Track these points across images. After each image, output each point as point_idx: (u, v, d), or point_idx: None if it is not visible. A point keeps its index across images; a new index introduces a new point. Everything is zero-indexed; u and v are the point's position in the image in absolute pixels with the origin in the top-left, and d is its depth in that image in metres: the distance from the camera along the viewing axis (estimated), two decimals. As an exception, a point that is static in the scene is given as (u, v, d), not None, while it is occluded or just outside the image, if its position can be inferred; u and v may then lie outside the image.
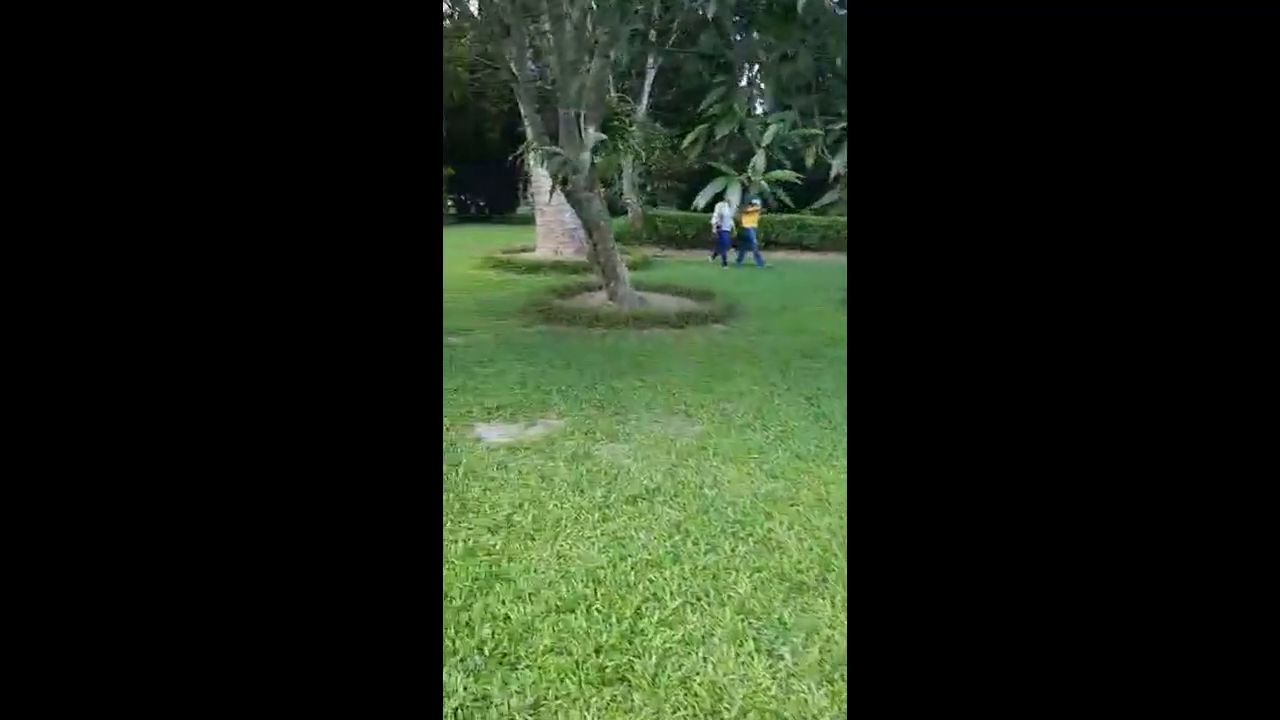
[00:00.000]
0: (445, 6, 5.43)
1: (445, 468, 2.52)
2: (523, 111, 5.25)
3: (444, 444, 2.75)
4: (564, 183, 4.92)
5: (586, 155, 4.75)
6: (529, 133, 8.01)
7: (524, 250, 9.39)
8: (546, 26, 5.12)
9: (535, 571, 1.86)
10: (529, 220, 15.68)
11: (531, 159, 7.70)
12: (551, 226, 8.97)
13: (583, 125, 4.71)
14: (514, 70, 4.55)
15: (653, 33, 4.69)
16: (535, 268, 8.06)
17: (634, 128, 5.17)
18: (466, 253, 9.50)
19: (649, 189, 13.74)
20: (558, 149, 4.77)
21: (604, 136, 4.76)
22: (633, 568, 1.88)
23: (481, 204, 17.35)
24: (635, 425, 3.05)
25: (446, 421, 3.01)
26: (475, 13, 4.69)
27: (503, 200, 17.86)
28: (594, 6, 3.75)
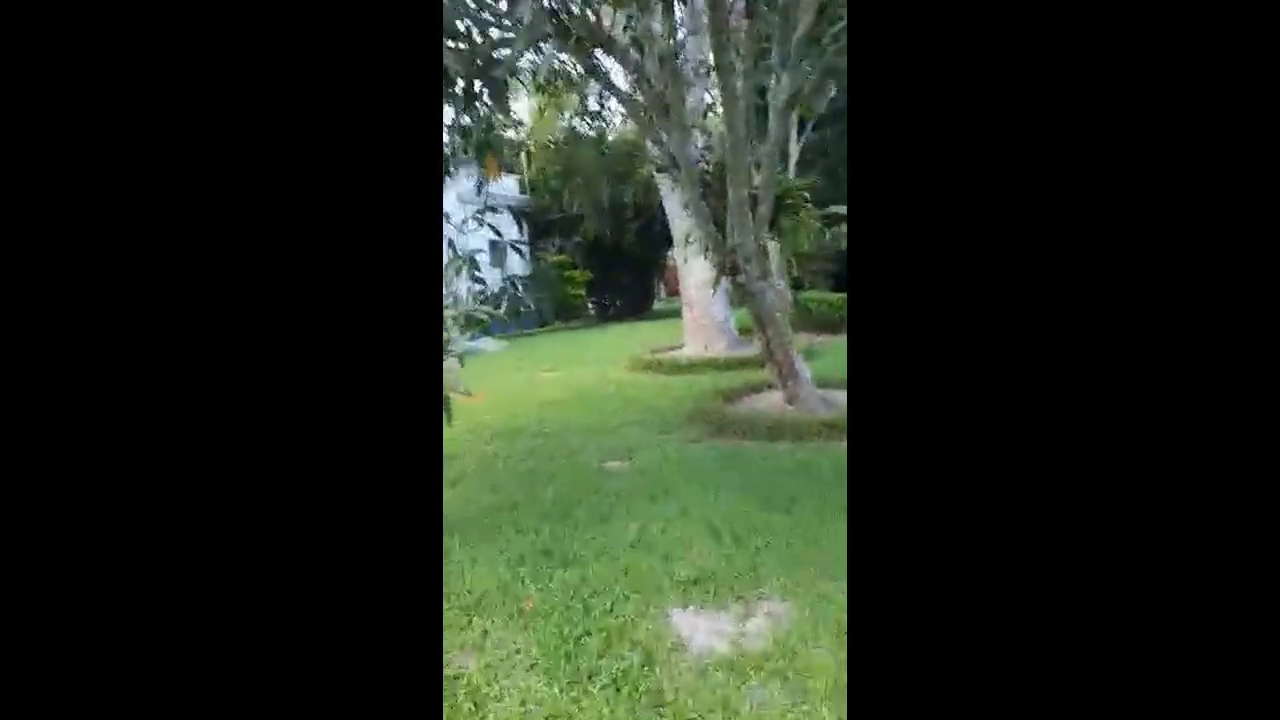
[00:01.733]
0: (592, 103, 5.18)
1: (642, 704, 1.66)
2: (681, 199, 4.71)
3: (637, 651, 1.91)
4: (733, 272, 4.20)
5: (759, 241, 4.02)
6: (676, 225, 7.63)
7: (671, 349, 8.80)
8: (706, 102, 4.64)
9: None
10: (665, 316, 15.43)
11: (680, 252, 7.21)
12: (700, 322, 8.34)
13: (755, 208, 4.02)
14: (673, 153, 4.02)
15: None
16: (688, 367, 7.36)
17: (810, 205, 4.44)
18: (611, 355, 9.07)
19: (793, 272, 12.91)
20: (724, 236, 4.10)
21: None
22: None
23: (618, 304, 17.46)
24: (906, 615, 2.03)
25: (631, 607, 2.18)
26: (632, 94, 4.26)
27: (638, 299, 17.91)
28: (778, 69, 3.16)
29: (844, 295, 10.59)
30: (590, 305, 17.43)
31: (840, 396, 5.20)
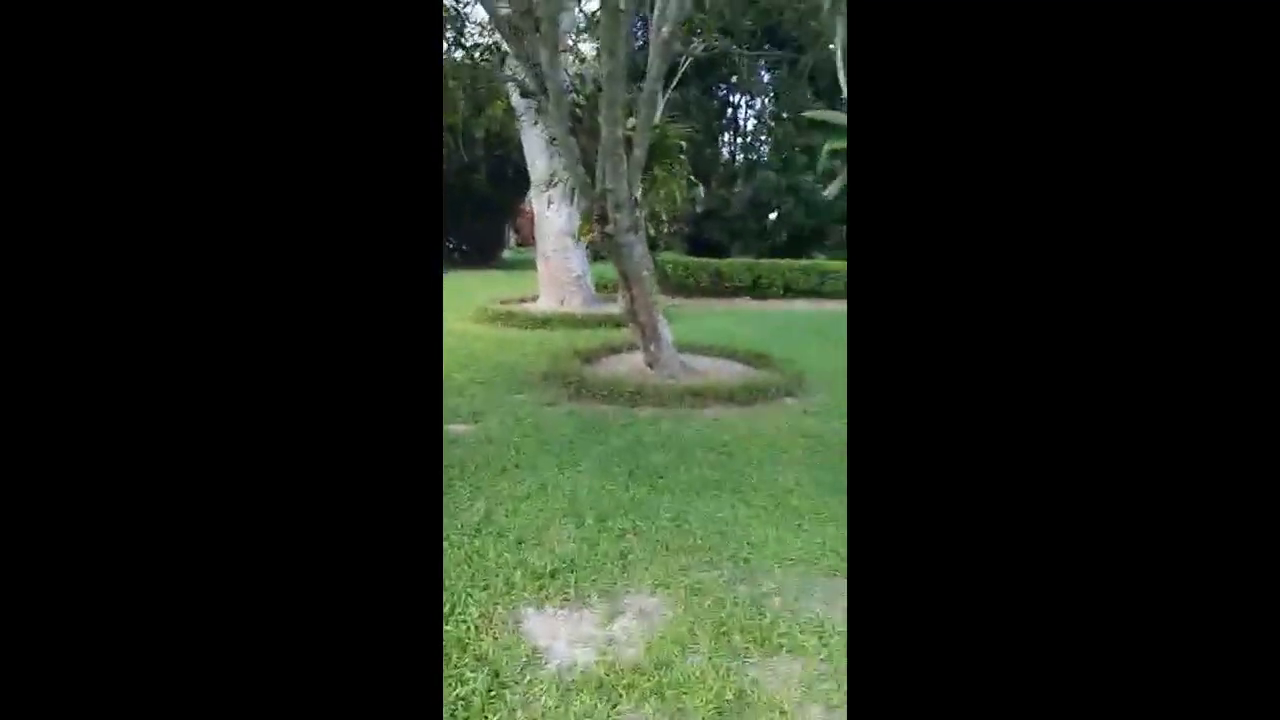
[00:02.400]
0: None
1: (493, 757, 1.31)
2: (546, 134, 4.19)
3: (483, 670, 1.54)
4: (602, 220, 3.83)
5: (631, 188, 3.67)
6: (537, 166, 6.99)
7: (523, 301, 8.26)
8: (580, 28, 4.14)
9: None
10: (515, 266, 14.64)
11: (539, 197, 6.65)
12: (556, 274, 7.88)
13: (629, 152, 3.64)
14: (543, 80, 3.49)
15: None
16: (543, 322, 6.91)
17: (684, 154, 4.15)
18: (456, 305, 8.31)
19: (651, 231, 12.78)
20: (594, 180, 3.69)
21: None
22: None
23: (465, 249, 16.30)
24: (792, 605, 1.87)
25: (476, 609, 1.80)
26: (495, 11, 3.63)
27: (487, 246, 16.87)
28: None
29: (701, 260, 10.64)
30: (435, 249, 16.10)
31: (702, 364, 5.10)
